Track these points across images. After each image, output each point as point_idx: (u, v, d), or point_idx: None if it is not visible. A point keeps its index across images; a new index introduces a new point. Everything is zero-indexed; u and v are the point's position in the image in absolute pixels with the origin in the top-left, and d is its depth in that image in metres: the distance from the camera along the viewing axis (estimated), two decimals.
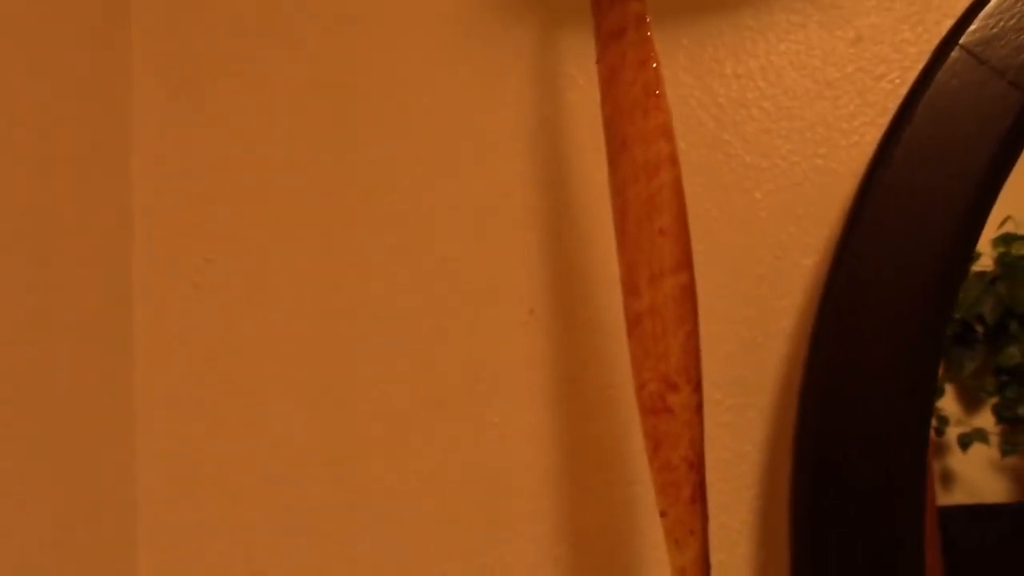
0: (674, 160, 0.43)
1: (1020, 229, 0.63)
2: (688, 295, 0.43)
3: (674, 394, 0.42)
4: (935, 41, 0.51)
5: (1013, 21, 0.47)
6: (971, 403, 0.66)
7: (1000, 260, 0.66)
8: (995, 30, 0.47)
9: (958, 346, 0.66)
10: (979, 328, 0.67)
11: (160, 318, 0.55)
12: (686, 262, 0.43)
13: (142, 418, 0.55)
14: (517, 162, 0.54)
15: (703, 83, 0.53)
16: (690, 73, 0.53)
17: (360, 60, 0.56)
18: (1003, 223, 0.63)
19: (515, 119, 0.54)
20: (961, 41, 0.47)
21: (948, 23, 0.51)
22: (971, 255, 0.48)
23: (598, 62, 0.45)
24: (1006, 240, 0.65)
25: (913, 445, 0.48)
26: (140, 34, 0.58)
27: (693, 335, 0.43)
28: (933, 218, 0.46)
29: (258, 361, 0.55)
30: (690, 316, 0.43)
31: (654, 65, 0.44)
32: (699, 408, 0.43)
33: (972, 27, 0.47)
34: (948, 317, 0.48)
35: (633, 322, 0.43)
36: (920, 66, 0.51)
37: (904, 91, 0.51)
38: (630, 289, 0.43)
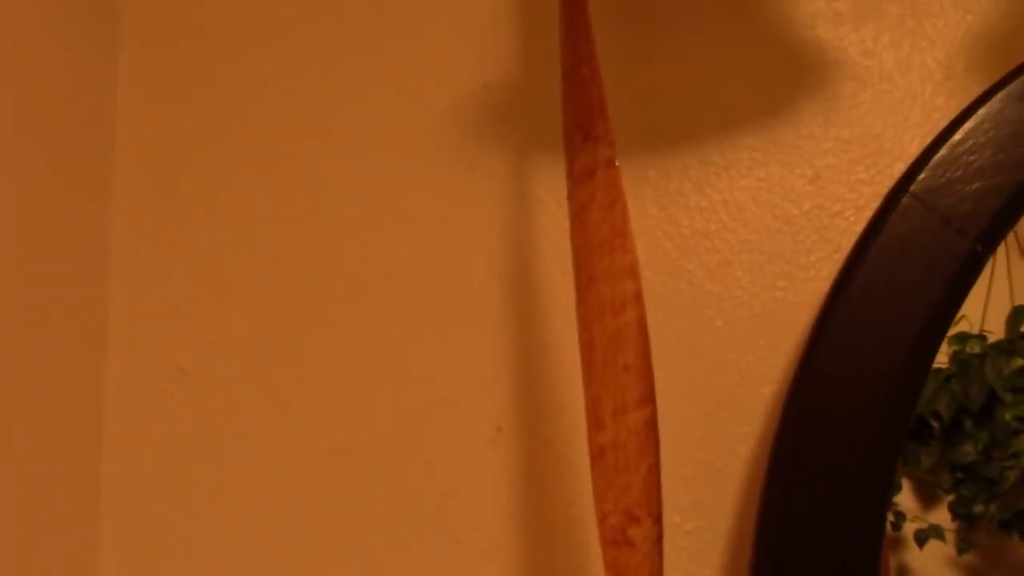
0: (639, 299, 0.45)
1: (974, 328, 0.66)
2: (651, 429, 0.44)
3: (635, 527, 0.44)
4: (887, 182, 0.54)
5: (959, 173, 0.50)
6: (928, 499, 0.68)
7: (955, 358, 0.68)
8: (942, 180, 0.50)
9: (915, 441, 0.68)
10: (935, 424, 0.69)
11: (131, 425, 0.56)
12: (649, 397, 0.45)
13: (107, 529, 0.55)
14: (489, 282, 0.56)
15: (668, 214, 0.56)
16: (656, 204, 0.56)
17: (337, 176, 0.58)
18: (958, 322, 0.65)
19: (488, 240, 0.56)
20: (911, 189, 0.50)
21: (900, 166, 0.54)
22: (919, 389, 0.50)
23: (568, 199, 0.47)
24: (960, 339, 0.67)
25: (868, 569, 0.50)
26: (124, 131, 0.60)
27: (655, 468, 0.44)
28: (883, 356, 0.49)
29: (229, 472, 0.56)
30: (652, 449, 0.44)
31: (622, 207, 0.46)
32: (659, 540, 0.44)
33: (921, 175, 0.50)
34: (899, 451, 0.50)
35: (597, 454, 0.45)
36: (874, 205, 0.54)
37: (859, 228, 0.54)
38: (594, 422, 0.45)
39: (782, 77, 0.57)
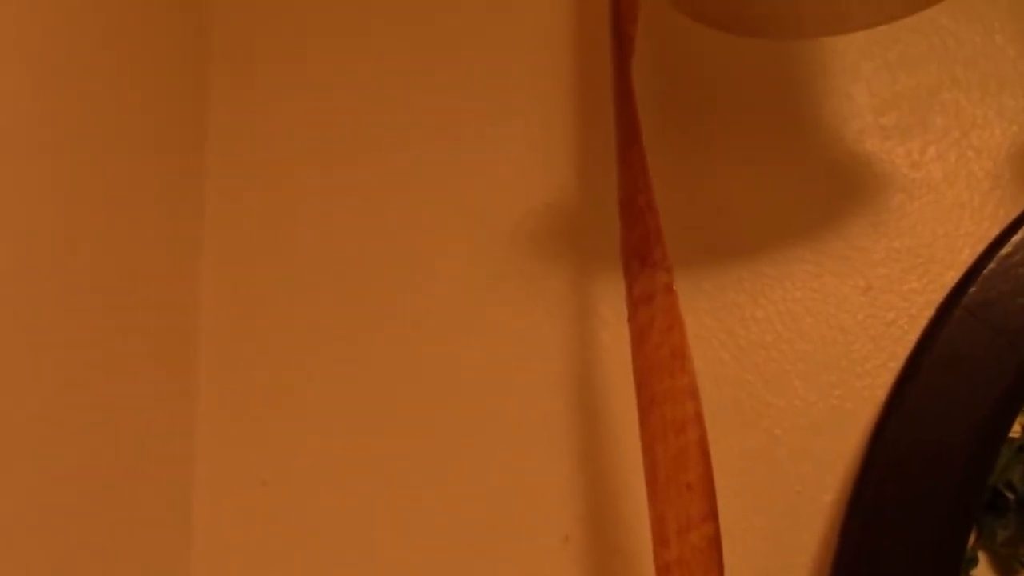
0: (699, 419, 0.47)
1: None
2: (714, 546, 0.46)
3: None
4: (940, 291, 0.56)
5: (1010, 286, 0.51)
6: (1005, 572, 0.67)
7: None
8: (993, 293, 0.51)
9: (989, 514, 0.68)
10: (1009, 495, 0.69)
11: (218, 540, 0.59)
12: (712, 514, 0.46)
13: None
14: (554, 396, 0.58)
15: (725, 325, 0.58)
16: (712, 316, 0.58)
17: (406, 295, 0.61)
18: None
19: (551, 356, 0.58)
20: (962, 302, 0.52)
21: (952, 275, 0.56)
22: (976, 503, 0.51)
23: (629, 321, 0.50)
24: None
25: None
26: (210, 243, 0.63)
27: None
28: (939, 468, 0.50)
29: None
30: (716, 566, 0.46)
31: (680, 330, 0.48)
32: None
33: (972, 289, 0.52)
34: (960, 560, 0.51)
35: (662, 570, 0.46)
36: (927, 314, 0.55)
37: (913, 338, 0.55)
38: (659, 539, 0.47)
39: (833, 190, 0.59)
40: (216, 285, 0.62)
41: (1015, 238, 0.53)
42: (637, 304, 0.49)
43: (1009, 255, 0.52)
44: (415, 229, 0.61)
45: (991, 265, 0.52)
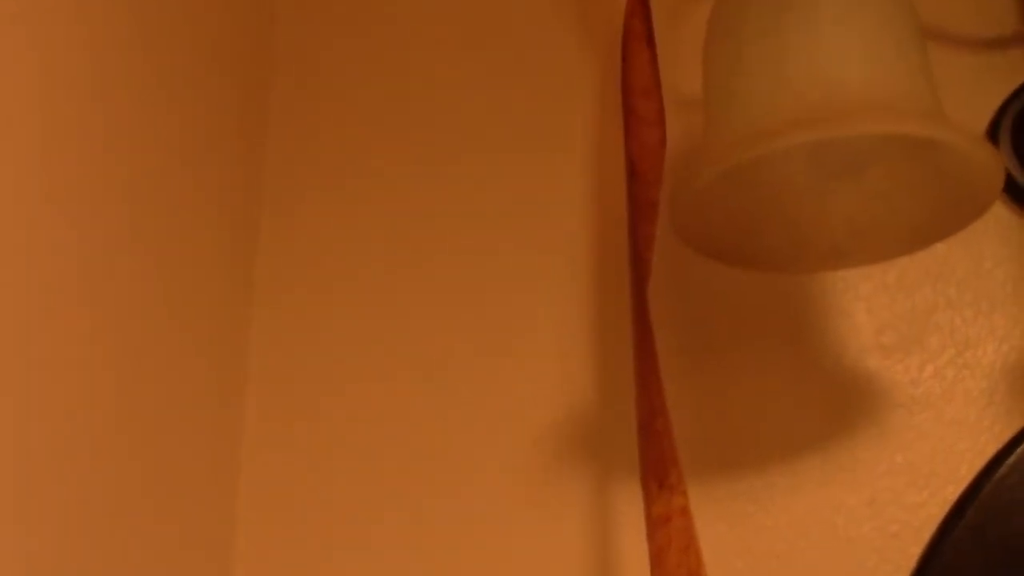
0: None
1: None
2: None
3: None
4: (943, 505, 0.59)
5: (1007, 506, 0.54)
6: None
7: None
8: (991, 513, 0.55)
9: None
10: None
11: None
12: None
13: None
14: None
15: (736, 533, 0.61)
16: (725, 523, 0.61)
17: (431, 499, 0.64)
18: None
19: (569, 566, 0.61)
20: (962, 521, 0.55)
21: (952, 489, 0.59)
22: None
23: (648, 540, 0.53)
24: None
25: None
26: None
27: None
28: None
29: None
30: None
31: (695, 551, 0.51)
32: None
33: (970, 509, 0.55)
34: None
35: None
36: (930, 527, 0.58)
37: (916, 551, 0.58)
38: None
39: (837, 405, 0.63)
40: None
41: (1010, 460, 0.56)
42: (655, 525, 0.53)
43: (1005, 476, 0.55)
44: (439, 436, 0.65)
45: (987, 488, 0.55)
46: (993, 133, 0.66)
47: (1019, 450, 0.56)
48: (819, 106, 0.45)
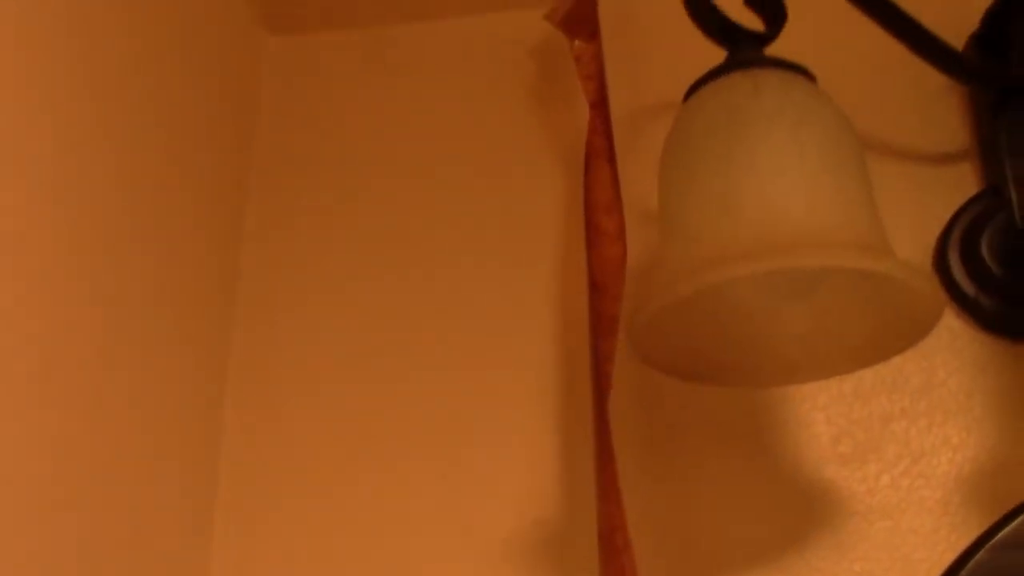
0: None
1: None
2: None
3: None
4: None
5: None
6: None
7: None
8: None
9: None
10: None
11: None
12: None
13: None
14: None
15: None
16: None
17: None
18: None
19: None
20: None
21: None
22: None
23: None
24: None
25: None
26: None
27: None
28: None
29: None
30: None
31: None
32: None
33: None
34: None
35: None
36: None
37: None
38: None
39: (796, 514, 0.64)
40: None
41: (965, 569, 0.57)
42: None
43: None
44: (404, 545, 0.67)
45: None
46: (943, 245, 0.69)
47: (973, 560, 0.57)
48: (763, 238, 0.47)
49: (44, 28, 0.55)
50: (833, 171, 0.51)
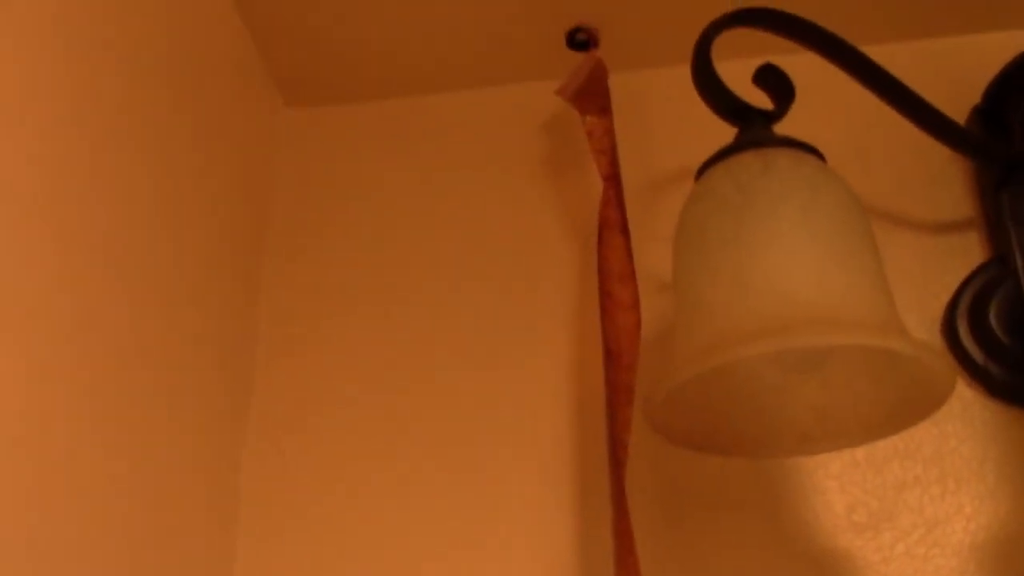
0: None
1: None
2: None
3: None
4: None
5: None
6: None
7: None
8: None
9: None
10: None
11: None
12: None
13: None
14: None
15: None
16: None
17: None
18: None
19: None
20: None
21: None
22: None
23: None
24: None
25: None
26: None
27: None
28: None
29: None
30: None
31: None
32: None
33: None
34: None
35: None
36: None
37: None
38: None
39: None
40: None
41: None
42: None
43: None
44: None
45: None
46: (951, 314, 0.70)
47: None
48: (775, 317, 0.48)
49: (60, 99, 0.56)
50: (843, 249, 0.52)
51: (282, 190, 0.83)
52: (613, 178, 0.73)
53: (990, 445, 0.67)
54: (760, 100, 0.60)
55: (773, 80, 0.61)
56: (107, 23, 0.61)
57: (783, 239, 0.52)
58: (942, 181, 0.74)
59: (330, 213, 0.81)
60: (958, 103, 0.73)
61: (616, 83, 0.75)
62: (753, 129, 0.58)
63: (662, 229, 0.65)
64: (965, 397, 0.68)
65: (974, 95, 0.73)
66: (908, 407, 0.54)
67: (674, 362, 0.52)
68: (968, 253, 0.72)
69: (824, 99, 0.71)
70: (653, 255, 0.71)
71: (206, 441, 0.70)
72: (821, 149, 0.57)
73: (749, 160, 0.56)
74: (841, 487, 0.66)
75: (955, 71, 0.76)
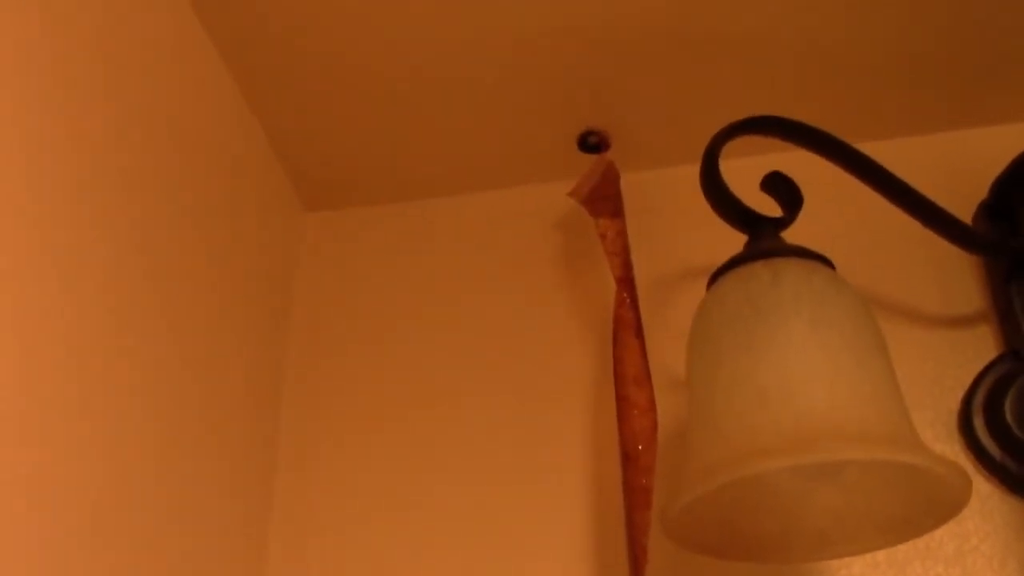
0: None
1: None
2: None
3: None
4: None
5: None
6: None
7: None
8: None
9: None
10: None
11: None
12: None
13: None
14: None
15: None
16: None
17: None
18: None
19: None
20: None
21: None
22: None
23: None
24: None
25: None
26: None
27: None
28: None
29: None
30: None
31: None
32: None
33: None
34: None
35: None
36: None
37: None
38: None
39: None
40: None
41: None
42: None
43: None
44: None
45: None
46: (967, 408, 0.70)
47: None
48: (788, 431, 0.49)
49: (81, 215, 0.58)
50: (854, 360, 0.53)
51: (302, 292, 0.84)
52: (626, 280, 0.74)
53: (1012, 542, 0.66)
54: (770, 200, 0.61)
55: (781, 187, 0.62)
56: (129, 134, 0.63)
57: (794, 351, 0.52)
58: (952, 275, 0.75)
59: (348, 316, 0.83)
60: (965, 197, 0.74)
61: (627, 183, 0.77)
62: (762, 237, 0.60)
63: (677, 328, 0.66)
64: (983, 493, 0.68)
65: (981, 189, 0.75)
66: (925, 513, 0.54)
67: (688, 473, 0.52)
68: (980, 347, 0.72)
69: (833, 194, 0.72)
70: (668, 355, 0.72)
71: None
72: (830, 245, 0.59)
73: (759, 271, 0.57)
74: None
75: (962, 165, 0.77)
